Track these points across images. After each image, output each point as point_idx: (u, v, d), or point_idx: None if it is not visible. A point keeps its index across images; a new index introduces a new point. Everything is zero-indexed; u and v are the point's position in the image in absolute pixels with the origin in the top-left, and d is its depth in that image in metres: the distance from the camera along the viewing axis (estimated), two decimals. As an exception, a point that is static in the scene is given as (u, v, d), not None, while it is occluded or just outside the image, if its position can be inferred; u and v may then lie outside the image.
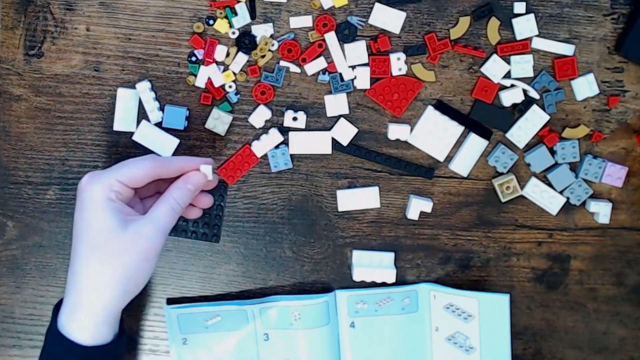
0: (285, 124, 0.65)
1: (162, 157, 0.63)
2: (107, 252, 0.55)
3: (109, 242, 0.55)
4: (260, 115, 0.65)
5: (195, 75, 0.65)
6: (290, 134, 0.66)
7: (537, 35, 0.65)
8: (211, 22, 0.63)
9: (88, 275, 0.55)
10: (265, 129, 0.66)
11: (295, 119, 0.64)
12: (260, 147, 0.65)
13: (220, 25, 0.63)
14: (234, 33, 0.64)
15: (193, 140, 0.66)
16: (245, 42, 0.64)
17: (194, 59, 0.64)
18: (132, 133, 0.65)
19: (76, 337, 0.56)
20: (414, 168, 0.67)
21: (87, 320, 0.56)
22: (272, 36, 0.64)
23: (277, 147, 0.66)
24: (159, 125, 0.65)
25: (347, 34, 0.64)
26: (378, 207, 0.68)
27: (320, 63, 0.65)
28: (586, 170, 0.67)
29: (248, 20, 0.64)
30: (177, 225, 0.66)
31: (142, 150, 0.65)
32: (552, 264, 0.70)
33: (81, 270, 0.55)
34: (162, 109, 0.65)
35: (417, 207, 0.67)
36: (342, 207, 0.67)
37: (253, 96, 0.65)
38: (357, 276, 0.68)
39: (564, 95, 0.66)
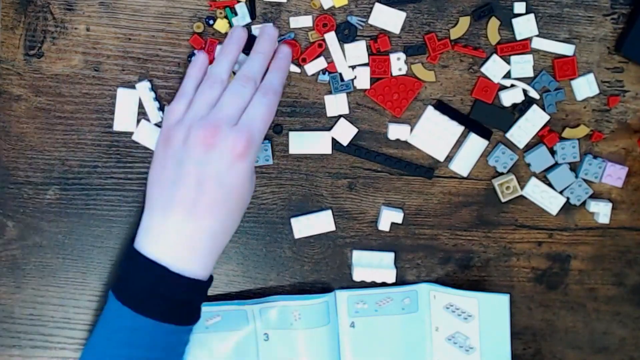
0: None
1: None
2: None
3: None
4: None
5: (195, 75, 0.65)
6: (290, 133, 0.66)
7: (537, 35, 0.65)
8: (211, 22, 0.63)
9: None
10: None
11: None
12: None
13: (220, 25, 0.63)
14: (234, 33, 0.64)
15: (193, 140, 0.66)
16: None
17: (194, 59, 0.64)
18: (132, 133, 0.65)
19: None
20: (414, 168, 0.67)
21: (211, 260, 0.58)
22: (272, 36, 0.64)
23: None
24: (159, 125, 0.65)
25: (347, 34, 0.64)
26: (378, 208, 0.68)
27: (320, 63, 0.65)
28: (586, 170, 0.67)
29: (248, 20, 0.64)
30: None
31: (142, 150, 0.65)
32: (552, 264, 0.70)
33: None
34: (162, 109, 0.65)
35: (388, 218, 0.67)
36: (297, 234, 0.67)
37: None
38: (357, 276, 0.68)
39: (564, 95, 0.66)
